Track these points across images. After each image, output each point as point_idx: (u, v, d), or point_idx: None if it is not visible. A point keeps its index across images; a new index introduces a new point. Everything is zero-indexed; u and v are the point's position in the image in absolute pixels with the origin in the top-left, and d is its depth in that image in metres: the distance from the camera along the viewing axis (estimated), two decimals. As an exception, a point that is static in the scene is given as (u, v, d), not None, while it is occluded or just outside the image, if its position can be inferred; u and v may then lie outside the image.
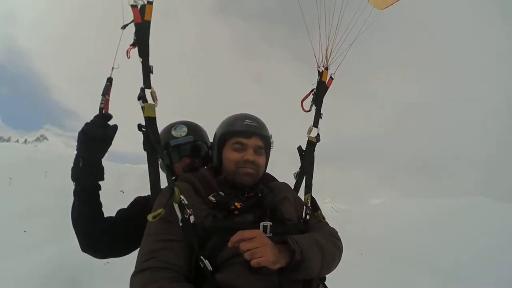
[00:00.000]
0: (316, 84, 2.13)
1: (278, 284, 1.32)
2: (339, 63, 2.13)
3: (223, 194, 1.48)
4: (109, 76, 1.62)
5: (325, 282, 1.63)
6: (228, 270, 1.28)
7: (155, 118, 1.55)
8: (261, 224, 1.40)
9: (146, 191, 1.67)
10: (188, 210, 1.34)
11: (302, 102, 2.07)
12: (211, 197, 1.46)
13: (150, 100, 1.54)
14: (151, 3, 1.59)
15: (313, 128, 2.05)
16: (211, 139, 1.92)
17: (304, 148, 2.03)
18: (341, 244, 1.64)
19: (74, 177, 1.59)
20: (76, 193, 1.61)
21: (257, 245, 1.21)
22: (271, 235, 1.38)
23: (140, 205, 1.81)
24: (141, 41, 1.54)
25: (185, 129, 2.05)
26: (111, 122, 1.62)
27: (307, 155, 2.01)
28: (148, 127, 1.54)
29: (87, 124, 1.55)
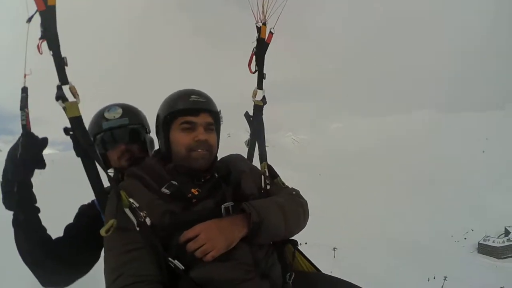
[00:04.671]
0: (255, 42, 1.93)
1: (252, 260, 1.32)
2: (278, 15, 1.89)
3: (176, 184, 1.38)
4: (23, 85, 1.42)
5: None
6: (200, 265, 1.24)
7: (80, 116, 1.40)
8: (222, 206, 1.36)
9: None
10: (141, 213, 1.25)
11: (249, 65, 1.92)
12: (164, 189, 1.35)
13: (70, 97, 1.40)
14: None
15: (258, 90, 1.92)
16: (151, 124, 1.78)
17: (251, 113, 1.92)
18: (304, 201, 1.60)
19: (13, 204, 1.41)
20: (18, 223, 1.43)
21: (203, 242, 1.20)
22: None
23: (85, 216, 1.68)
24: (49, 31, 1.37)
25: (119, 110, 1.81)
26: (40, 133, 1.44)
27: (255, 120, 1.90)
28: (75, 128, 1.39)
29: (22, 146, 1.38)
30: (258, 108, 1.92)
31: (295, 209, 1.51)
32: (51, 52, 1.38)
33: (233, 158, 1.66)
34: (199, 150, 1.43)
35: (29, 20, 1.39)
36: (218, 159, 1.62)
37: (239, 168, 1.57)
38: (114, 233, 1.21)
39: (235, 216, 1.34)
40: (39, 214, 1.52)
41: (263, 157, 1.81)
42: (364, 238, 79.13)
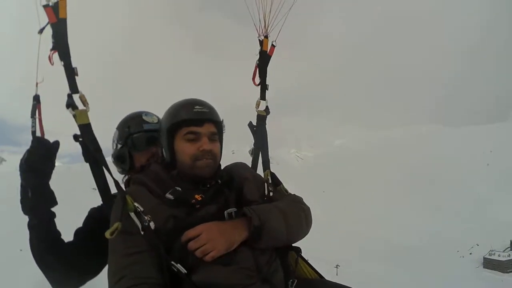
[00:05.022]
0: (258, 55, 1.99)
1: (255, 265, 1.34)
2: (279, 28, 1.95)
3: (180, 190, 1.41)
4: (34, 93, 1.50)
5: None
6: (202, 269, 1.26)
7: (89, 124, 1.45)
8: (225, 212, 1.40)
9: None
10: (146, 217, 1.27)
11: (253, 79, 1.97)
12: (168, 195, 1.39)
13: (80, 105, 1.45)
14: None
15: (261, 101, 1.96)
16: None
17: (254, 123, 1.95)
18: (307, 207, 1.61)
19: (27, 209, 1.48)
20: (33, 227, 1.50)
21: (204, 242, 1.24)
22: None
23: (94, 219, 1.73)
24: (60, 42, 1.43)
25: (155, 117, 1.94)
26: (51, 138, 1.51)
27: (259, 130, 1.94)
28: (84, 135, 1.45)
29: (29, 153, 1.45)
30: (262, 118, 1.96)
31: (297, 214, 1.53)
32: (62, 63, 1.43)
33: (237, 166, 1.69)
34: (204, 159, 1.46)
35: (41, 31, 1.44)
36: (223, 168, 1.65)
37: (242, 175, 1.60)
38: (118, 236, 1.24)
39: (236, 220, 1.38)
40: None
41: (266, 165, 1.85)
42: (367, 252, 78.53)
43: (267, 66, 1.99)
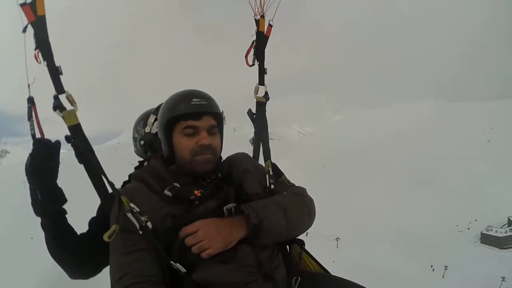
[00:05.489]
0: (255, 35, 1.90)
1: (256, 262, 1.32)
2: (277, 6, 1.85)
3: (178, 186, 1.39)
4: (28, 96, 1.47)
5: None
6: (202, 267, 1.26)
7: (79, 124, 1.42)
8: (224, 208, 1.37)
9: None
10: (143, 218, 1.28)
11: (246, 57, 1.88)
12: (167, 192, 1.37)
13: (68, 105, 1.42)
14: None
15: (259, 86, 1.88)
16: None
17: (254, 110, 1.90)
18: (309, 199, 1.58)
19: (38, 211, 1.51)
20: (45, 227, 1.54)
21: (201, 238, 1.23)
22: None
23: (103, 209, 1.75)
24: (41, 41, 1.38)
25: None
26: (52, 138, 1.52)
27: (258, 118, 1.88)
28: (75, 137, 1.42)
29: (31, 156, 1.45)
30: (261, 104, 1.89)
31: (298, 208, 1.49)
32: (45, 62, 1.39)
33: (238, 157, 1.65)
34: (203, 154, 1.42)
35: (24, 30, 1.40)
36: (224, 158, 1.63)
37: (243, 167, 1.57)
38: (118, 235, 1.26)
39: (235, 217, 1.35)
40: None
41: (267, 156, 1.81)
42: (367, 229, 79.46)
43: (265, 47, 1.90)
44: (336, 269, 1.78)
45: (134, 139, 2.08)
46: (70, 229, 1.63)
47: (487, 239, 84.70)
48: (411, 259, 59.00)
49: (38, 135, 1.49)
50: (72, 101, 1.41)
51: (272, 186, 1.58)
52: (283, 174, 1.69)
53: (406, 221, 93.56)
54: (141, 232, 1.26)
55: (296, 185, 1.69)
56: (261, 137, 1.87)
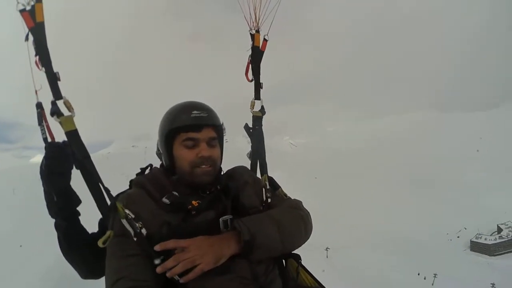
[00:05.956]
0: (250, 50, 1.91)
1: (251, 274, 1.33)
2: (271, 21, 1.87)
3: (177, 194, 1.40)
4: (36, 101, 1.51)
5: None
6: (197, 277, 1.24)
7: (76, 130, 1.43)
8: (220, 219, 1.38)
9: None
10: (137, 224, 1.27)
11: (246, 74, 1.90)
12: (164, 199, 1.38)
13: (65, 111, 1.42)
14: (40, 1, 1.39)
15: (255, 101, 1.90)
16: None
17: (250, 125, 1.91)
18: (305, 213, 1.58)
19: (54, 213, 1.55)
20: (58, 227, 1.56)
21: (191, 255, 1.22)
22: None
23: None
24: (39, 47, 1.40)
25: None
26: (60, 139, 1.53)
27: (255, 132, 1.89)
28: (72, 142, 1.42)
29: (45, 158, 1.49)
30: (257, 119, 1.91)
31: (293, 222, 1.48)
32: (43, 69, 1.40)
33: (238, 170, 1.67)
34: (203, 166, 1.44)
35: (26, 38, 1.42)
36: (224, 171, 1.64)
37: (243, 179, 1.59)
38: (114, 239, 1.28)
39: (227, 233, 1.36)
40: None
41: (263, 170, 1.83)
42: (357, 238, 79.73)
43: (260, 62, 1.92)
44: (326, 279, 1.79)
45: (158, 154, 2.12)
46: (83, 229, 1.65)
47: (476, 246, 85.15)
48: (401, 267, 58.97)
49: (49, 139, 1.52)
50: (69, 107, 1.42)
51: (269, 200, 1.60)
52: (280, 187, 1.76)
53: (396, 230, 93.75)
54: (135, 239, 1.27)
55: (292, 198, 1.71)
56: (258, 151, 1.89)
